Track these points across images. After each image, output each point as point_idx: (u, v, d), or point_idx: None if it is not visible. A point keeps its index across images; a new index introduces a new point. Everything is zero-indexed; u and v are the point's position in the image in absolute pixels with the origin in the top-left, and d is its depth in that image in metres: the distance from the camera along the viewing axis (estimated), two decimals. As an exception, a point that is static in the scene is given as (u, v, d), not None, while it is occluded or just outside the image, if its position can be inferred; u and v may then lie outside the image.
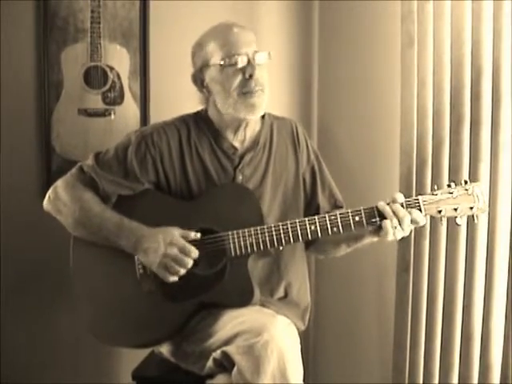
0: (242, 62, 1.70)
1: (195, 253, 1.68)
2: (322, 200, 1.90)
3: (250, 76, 1.70)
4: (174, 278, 1.69)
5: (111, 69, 2.31)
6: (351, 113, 2.38)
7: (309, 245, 1.93)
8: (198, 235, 1.71)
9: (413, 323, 2.11)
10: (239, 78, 1.71)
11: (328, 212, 1.76)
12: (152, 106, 2.34)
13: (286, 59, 2.44)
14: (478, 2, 1.86)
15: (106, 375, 2.45)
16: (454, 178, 1.92)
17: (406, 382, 2.16)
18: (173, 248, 1.67)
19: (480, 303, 1.92)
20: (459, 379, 2.00)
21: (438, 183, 1.95)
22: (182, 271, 1.68)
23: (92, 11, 2.27)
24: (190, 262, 1.68)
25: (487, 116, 1.87)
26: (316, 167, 1.91)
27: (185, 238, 1.69)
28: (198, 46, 1.78)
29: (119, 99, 2.32)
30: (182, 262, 1.67)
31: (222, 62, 1.71)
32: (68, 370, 2.42)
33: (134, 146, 1.80)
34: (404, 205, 1.64)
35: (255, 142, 1.84)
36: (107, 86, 2.31)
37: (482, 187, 1.65)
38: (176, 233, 1.69)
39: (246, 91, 1.71)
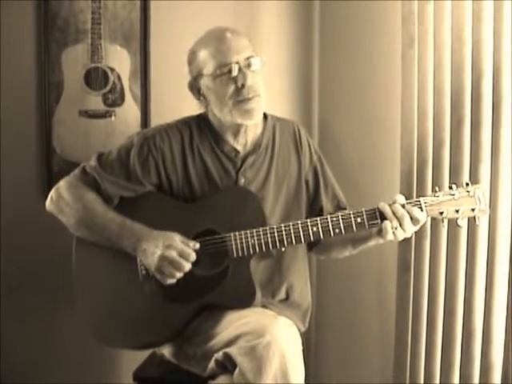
0: (233, 71, 1.69)
1: (193, 256, 1.68)
2: (325, 201, 1.90)
3: (243, 85, 1.70)
4: (171, 281, 1.69)
5: (112, 70, 2.30)
6: (352, 113, 2.38)
7: (312, 246, 1.93)
8: (197, 245, 1.70)
9: (414, 323, 2.12)
10: (232, 87, 1.70)
11: (331, 213, 1.76)
12: (153, 108, 2.33)
13: (287, 60, 2.44)
14: (479, 3, 1.86)
15: (107, 376, 2.45)
16: (454, 179, 1.93)
17: (408, 381, 2.16)
18: (171, 251, 1.66)
19: (481, 303, 1.93)
20: (460, 378, 2.00)
21: (439, 183, 1.96)
22: (179, 274, 1.68)
23: (93, 12, 2.26)
24: (187, 266, 1.67)
25: (488, 116, 1.87)
26: (319, 169, 1.91)
27: (184, 244, 1.69)
28: (192, 54, 1.77)
29: (120, 100, 2.32)
30: (179, 266, 1.67)
31: (213, 72, 1.71)
32: (69, 371, 2.42)
33: (137, 149, 1.80)
34: (405, 206, 1.65)
35: (257, 145, 1.84)
36: (108, 88, 2.31)
37: (483, 189, 1.66)
38: (176, 237, 1.69)
39: (240, 100, 1.71)
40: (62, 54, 2.28)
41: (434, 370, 2.08)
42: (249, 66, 1.71)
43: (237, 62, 1.70)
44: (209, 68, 1.72)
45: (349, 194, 1.98)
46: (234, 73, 1.69)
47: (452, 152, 1.96)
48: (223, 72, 1.70)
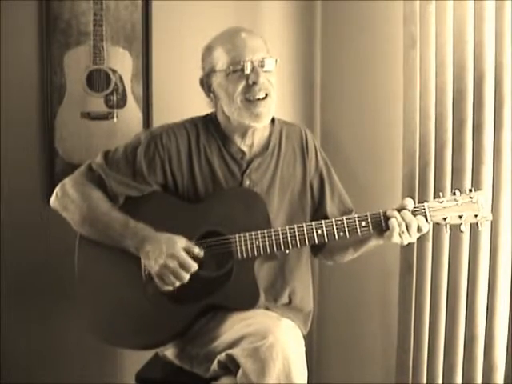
0: (246, 68, 1.70)
1: (194, 267, 1.68)
2: (331, 207, 1.90)
3: (254, 83, 1.70)
4: (169, 289, 1.69)
5: (114, 72, 2.30)
6: (354, 115, 2.39)
7: (317, 252, 1.94)
8: (202, 254, 1.70)
9: (416, 324, 2.11)
10: (243, 84, 1.71)
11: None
12: (155, 109, 2.33)
13: (289, 62, 2.44)
14: (480, 3, 1.86)
15: (110, 377, 2.45)
16: (456, 181, 1.93)
17: (410, 382, 2.16)
18: (173, 261, 1.66)
19: (483, 304, 1.93)
20: (463, 380, 2.00)
21: (441, 185, 1.96)
22: (178, 284, 1.68)
23: (94, 14, 2.26)
24: (186, 277, 1.67)
25: (489, 117, 1.87)
26: (325, 174, 1.91)
27: (187, 251, 1.69)
28: (207, 51, 1.78)
29: (122, 102, 2.32)
30: (178, 276, 1.67)
31: (227, 68, 1.71)
32: (71, 372, 2.41)
33: (143, 147, 1.80)
34: (411, 212, 1.66)
35: (264, 147, 1.84)
36: (110, 89, 2.31)
37: (486, 195, 1.68)
38: (180, 245, 1.68)
39: (248, 97, 1.71)
40: (64, 55, 2.28)
41: (436, 371, 2.07)
42: (262, 66, 1.72)
43: (250, 61, 1.70)
44: (222, 64, 1.73)
45: (351, 196, 1.98)
46: (247, 71, 1.70)
47: (454, 153, 1.96)
48: (236, 69, 1.71)
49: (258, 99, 1.72)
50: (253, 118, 1.73)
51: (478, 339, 1.94)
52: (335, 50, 2.43)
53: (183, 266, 1.67)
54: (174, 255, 1.66)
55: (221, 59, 1.73)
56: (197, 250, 1.69)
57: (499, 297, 1.89)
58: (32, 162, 2.32)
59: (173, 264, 1.66)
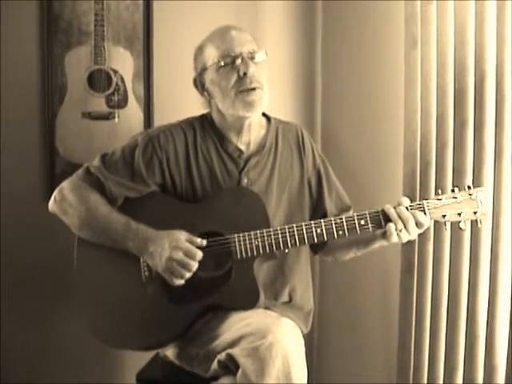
0: (236, 61, 1.71)
1: (200, 256, 1.68)
2: (329, 204, 1.90)
3: (245, 74, 1.71)
4: (180, 282, 1.69)
5: (115, 72, 2.31)
6: (355, 115, 2.39)
7: (317, 249, 1.94)
8: (204, 242, 1.70)
9: (417, 325, 2.11)
10: (235, 77, 1.72)
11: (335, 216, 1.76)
12: (156, 109, 2.34)
13: (289, 61, 2.44)
14: (481, 3, 1.86)
15: (110, 377, 2.45)
16: (457, 180, 1.93)
17: (411, 382, 2.16)
18: (178, 252, 1.67)
19: (484, 304, 1.92)
20: (464, 380, 2.00)
21: (442, 185, 1.96)
22: (188, 274, 1.68)
23: (96, 14, 2.27)
24: (195, 266, 1.68)
25: (491, 117, 1.87)
26: (322, 172, 1.91)
27: (190, 242, 1.69)
28: (198, 50, 1.81)
29: (123, 102, 2.32)
30: (187, 266, 1.67)
31: (217, 63, 1.73)
32: (71, 372, 2.41)
33: (141, 148, 1.80)
34: (409, 208, 1.65)
35: (261, 146, 1.84)
36: (111, 89, 2.31)
37: (485, 192, 1.67)
38: (182, 237, 1.69)
39: (242, 89, 1.72)
40: (65, 55, 2.28)
41: (437, 372, 2.07)
42: (252, 58, 1.73)
43: (240, 53, 1.72)
44: (213, 59, 1.74)
45: (352, 196, 1.98)
46: (237, 62, 1.71)
47: (455, 153, 1.96)
48: (227, 62, 1.72)
49: (251, 89, 1.72)
50: (246, 106, 1.73)
51: (479, 339, 1.94)
52: (336, 50, 2.43)
53: (189, 255, 1.67)
54: (177, 246, 1.67)
55: (211, 55, 1.75)
56: (199, 240, 1.70)
57: (500, 296, 1.89)
58: (33, 161, 2.32)
59: (178, 255, 1.66)
